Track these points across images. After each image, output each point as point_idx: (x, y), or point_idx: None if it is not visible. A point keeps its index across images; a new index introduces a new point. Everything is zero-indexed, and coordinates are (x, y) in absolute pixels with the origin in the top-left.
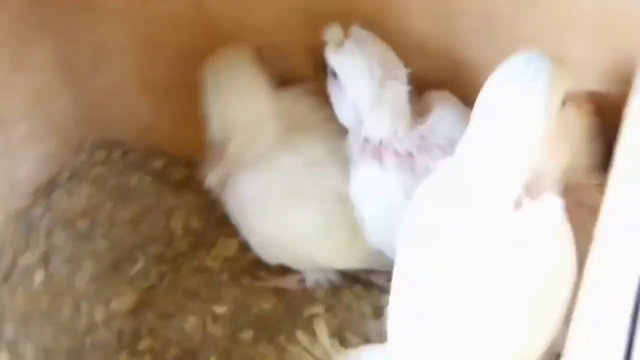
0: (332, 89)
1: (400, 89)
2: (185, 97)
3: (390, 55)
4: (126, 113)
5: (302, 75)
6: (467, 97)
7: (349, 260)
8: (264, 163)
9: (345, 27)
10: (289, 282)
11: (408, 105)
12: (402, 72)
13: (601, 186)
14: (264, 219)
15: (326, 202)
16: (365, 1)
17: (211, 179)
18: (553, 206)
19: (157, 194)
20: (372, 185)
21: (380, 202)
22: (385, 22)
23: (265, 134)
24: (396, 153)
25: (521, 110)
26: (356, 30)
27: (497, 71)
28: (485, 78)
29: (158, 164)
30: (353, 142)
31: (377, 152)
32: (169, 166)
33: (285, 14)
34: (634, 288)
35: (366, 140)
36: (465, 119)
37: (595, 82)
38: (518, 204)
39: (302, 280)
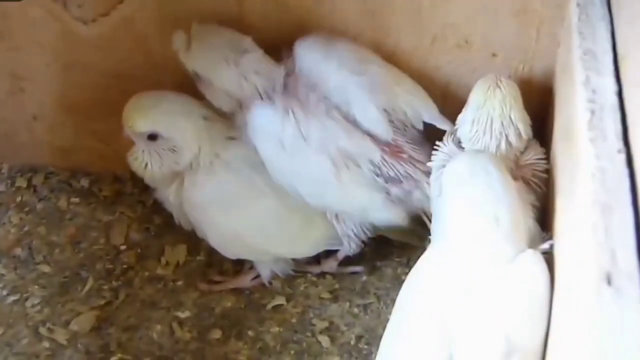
0: (201, 87)
1: (255, 56)
2: (109, 114)
3: (233, 34)
4: (45, 137)
5: None
6: None
7: (302, 249)
8: (215, 165)
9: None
10: (244, 281)
11: (268, 61)
12: (248, 41)
13: None
14: (223, 216)
15: (277, 193)
16: (299, 2)
17: (171, 198)
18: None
19: (90, 213)
20: (266, 124)
21: (274, 140)
22: (320, 22)
23: (213, 138)
24: (278, 98)
25: (493, 198)
26: (196, 28)
27: (450, 180)
28: (417, 64)
29: (84, 183)
30: (238, 116)
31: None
32: (96, 184)
33: None
34: None
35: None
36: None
37: (518, 61)
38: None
39: (257, 277)
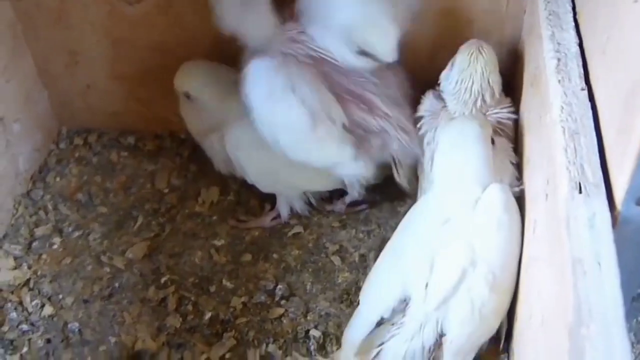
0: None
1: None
2: (151, 82)
3: None
4: (97, 103)
5: None
6: None
7: (323, 183)
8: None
9: None
10: (265, 221)
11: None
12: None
13: None
14: (259, 155)
15: None
16: None
17: (215, 145)
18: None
19: (137, 164)
20: (260, 72)
21: (264, 87)
22: None
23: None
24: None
25: (476, 152)
26: None
27: (448, 134)
28: (409, 32)
29: (130, 140)
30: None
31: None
32: (141, 141)
33: None
34: None
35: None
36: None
37: (491, 25)
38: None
39: (276, 217)
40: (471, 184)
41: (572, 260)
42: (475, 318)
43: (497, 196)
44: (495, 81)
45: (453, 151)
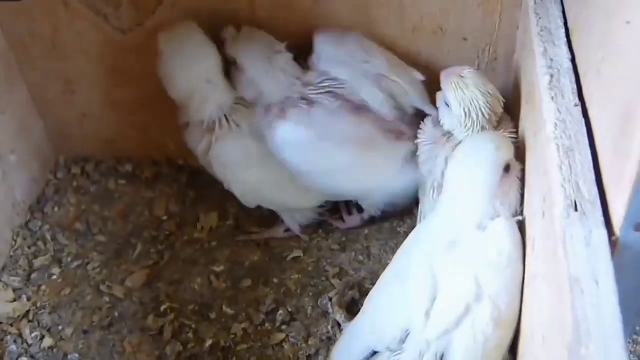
0: (235, 75)
1: (285, 57)
2: (146, 109)
3: (271, 39)
4: (94, 131)
5: None
6: None
7: (305, 200)
8: (233, 129)
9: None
10: (278, 232)
11: (294, 67)
12: (282, 46)
13: None
14: (245, 172)
15: None
16: (300, 1)
17: (200, 148)
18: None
19: (135, 192)
20: (290, 138)
21: (299, 151)
22: (319, 18)
23: (218, 92)
24: (295, 105)
25: (481, 177)
26: (245, 28)
27: (462, 151)
28: (401, 50)
29: (128, 168)
30: (258, 112)
31: (281, 110)
32: (138, 168)
33: None
34: None
35: (269, 106)
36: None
37: (485, 43)
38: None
39: (288, 230)
40: (473, 209)
41: (569, 279)
42: (478, 353)
43: (507, 231)
44: (492, 99)
45: (461, 170)
